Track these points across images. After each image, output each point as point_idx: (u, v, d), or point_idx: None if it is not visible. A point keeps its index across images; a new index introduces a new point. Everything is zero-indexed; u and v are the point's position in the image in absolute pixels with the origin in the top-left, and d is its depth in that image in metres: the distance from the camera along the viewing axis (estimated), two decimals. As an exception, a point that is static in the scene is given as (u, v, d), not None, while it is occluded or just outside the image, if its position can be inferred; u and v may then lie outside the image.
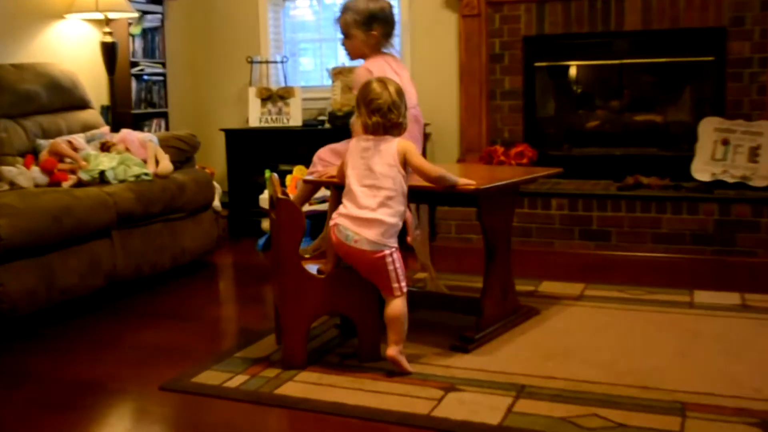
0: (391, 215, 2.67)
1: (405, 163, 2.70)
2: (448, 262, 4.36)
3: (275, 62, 5.82)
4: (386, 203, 2.66)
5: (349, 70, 5.40)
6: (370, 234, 2.64)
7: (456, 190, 2.75)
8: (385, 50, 3.45)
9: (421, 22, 5.41)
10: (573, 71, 5.30)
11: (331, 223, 2.75)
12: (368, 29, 3.35)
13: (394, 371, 2.67)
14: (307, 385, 2.59)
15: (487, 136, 5.19)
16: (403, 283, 2.70)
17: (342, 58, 5.74)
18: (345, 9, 3.40)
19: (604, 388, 2.51)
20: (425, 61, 5.42)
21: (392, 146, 2.71)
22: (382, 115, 2.69)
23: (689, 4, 4.74)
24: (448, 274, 3.94)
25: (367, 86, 2.77)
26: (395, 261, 2.68)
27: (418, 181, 2.79)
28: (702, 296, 3.56)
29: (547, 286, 3.78)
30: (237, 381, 2.64)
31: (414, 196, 2.90)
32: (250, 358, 2.86)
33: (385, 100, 2.70)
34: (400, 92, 2.75)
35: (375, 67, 3.29)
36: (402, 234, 2.88)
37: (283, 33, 5.96)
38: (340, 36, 3.48)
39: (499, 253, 3.04)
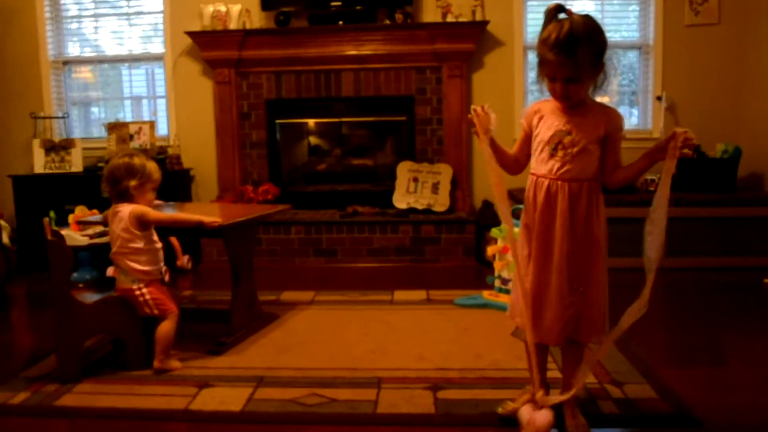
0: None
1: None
2: (213, 280, 4.30)
3: (57, 117, 5.41)
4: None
5: (123, 125, 5.15)
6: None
7: (205, 227, 2.74)
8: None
9: (183, 88, 5.29)
10: (306, 126, 5.42)
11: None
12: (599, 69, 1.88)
13: (161, 372, 2.62)
14: (83, 395, 2.43)
15: (239, 178, 5.18)
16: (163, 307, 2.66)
17: (120, 114, 5.47)
18: (586, 37, 1.79)
19: (323, 372, 2.59)
20: (188, 119, 5.30)
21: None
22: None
23: (387, 78, 5.06)
24: (212, 290, 3.90)
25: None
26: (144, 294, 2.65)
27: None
28: (400, 295, 3.78)
29: (287, 295, 3.80)
30: (19, 398, 2.42)
31: (175, 231, 2.85)
32: (32, 377, 2.62)
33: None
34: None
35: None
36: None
37: (64, 92, 5.54)
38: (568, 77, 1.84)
39: (243, 273, 3.04)
